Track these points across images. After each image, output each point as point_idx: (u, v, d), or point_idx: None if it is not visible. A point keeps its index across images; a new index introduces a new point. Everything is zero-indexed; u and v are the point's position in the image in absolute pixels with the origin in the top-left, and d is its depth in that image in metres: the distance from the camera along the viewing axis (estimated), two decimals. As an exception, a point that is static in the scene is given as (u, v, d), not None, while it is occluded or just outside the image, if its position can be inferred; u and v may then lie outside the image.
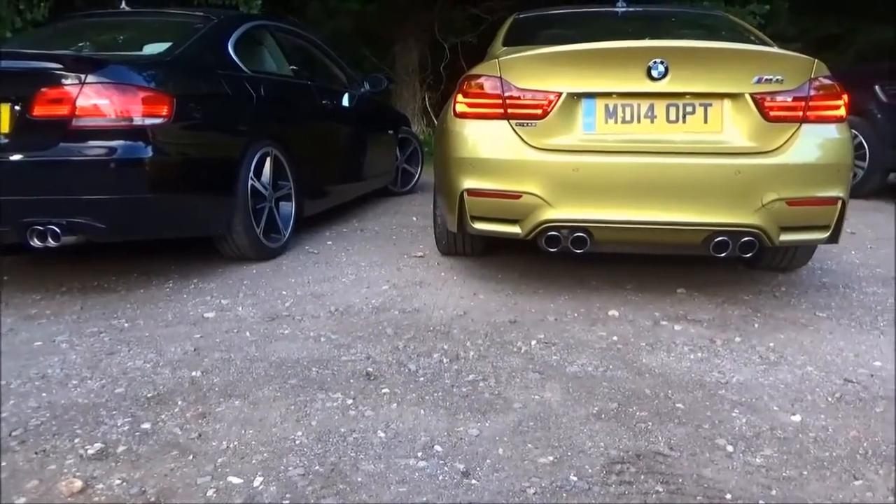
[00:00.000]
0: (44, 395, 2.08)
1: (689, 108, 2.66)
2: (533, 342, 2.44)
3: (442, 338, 2.49)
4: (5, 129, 2.68)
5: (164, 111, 2.80)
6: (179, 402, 2.02)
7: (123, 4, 3.81)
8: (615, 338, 2.50)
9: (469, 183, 2.76)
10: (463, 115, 2.83)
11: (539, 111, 2.69)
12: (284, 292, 3.01)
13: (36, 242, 2.68)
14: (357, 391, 2.07)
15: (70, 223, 2.67)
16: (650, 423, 1.87)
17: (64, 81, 2.67)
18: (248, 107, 3.43)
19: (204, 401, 2.03)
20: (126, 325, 2.67)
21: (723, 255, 2.63)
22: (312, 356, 2.34)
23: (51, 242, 2.67)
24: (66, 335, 2.55)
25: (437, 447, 1.76)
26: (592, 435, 1.82)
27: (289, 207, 3.69)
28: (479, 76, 2.82)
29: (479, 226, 2.83)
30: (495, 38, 3.59)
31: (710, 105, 2.64)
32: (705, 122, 2.65)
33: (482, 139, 2.76)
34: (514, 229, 2.75)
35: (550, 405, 1.99)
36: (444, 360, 2.29)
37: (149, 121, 2.75)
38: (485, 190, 2.74)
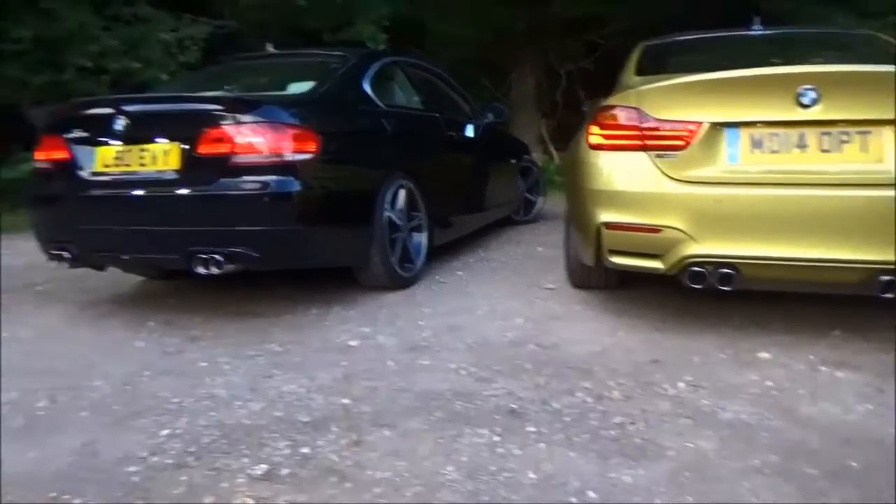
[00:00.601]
0: (212, 413, 2.24)
1: (844, 137, 2.50)
2: (680, 384, 2.35)
3: (583, 375, 2.45)
4: (175, 165, 2.94)
5: (312, 147, 2.97)
6: (334, 429, 2.10)
7: (270, 47, 4.09)
8: (769, 383, 2.36)
9: (606, 216, 2.73)
10: (598, 147, 2.81)
11: (679, 142, 2.63)
12: (421, 322, 3.09)
13: (200, 270, 2.90)
14: (503, 428, 2.07)
15: (230, 252, 2.88)
16: (822, 483, 1.75)
17: (225, 122, 2.90)
18: (384, 141, 3.57)
19: (356, 429, 2.10)
20: (278, 349, 2.82)
21: (890, 295, 2.44)
22: (455, 389, 2.37)
23: (213, 270, 2.89)
24: (227, 357, 2.73)
25: (591, 493, 1.73)
26: (756, 490, 1.72)
27: (421, 238, 3.79)
28: (614, 107, 2.80)
29: (618, 260, 2.78)
30: (625, 67, 3.56)
31: (869, 133, 2.48)
32: (864, 151, 2.48)
33: (619, 171, 2.73)
34: (656, 264, 2.68)
35: (706, 454, 1.90)
36: (588, 400, 2.26)
37: (298, 156, 2.93)
38: (623, 223, 2.69)
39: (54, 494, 1.79)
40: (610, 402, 2.23)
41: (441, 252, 4.38)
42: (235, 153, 2.85)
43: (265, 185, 2.87)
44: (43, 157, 3.21)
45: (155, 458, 1.95)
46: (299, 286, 3.67)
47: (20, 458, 1.98)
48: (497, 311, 3.24)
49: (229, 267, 2.91)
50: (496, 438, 2.01)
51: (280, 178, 2.89)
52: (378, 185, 3.38)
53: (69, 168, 3.10)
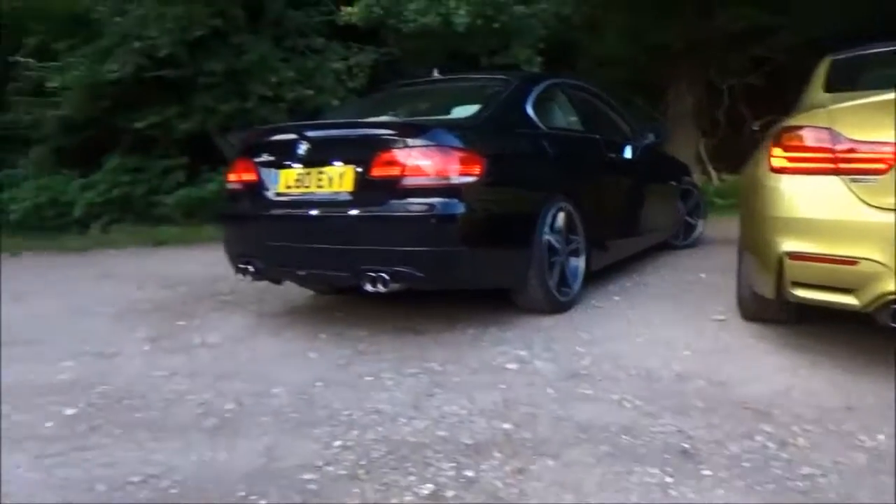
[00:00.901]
0: (379, 428, 2.32)
1: None
2: (880, 436, 2.11)
3: (762, 418, 2.27)
4: (349, 187, 3.12)
5: (476, 170, 3.03)
6: (496, 454, 2.10)
7: (435, 73, 4.24)
8: None
9: (790, 245, 2.52)
10: (782, 170, 2.61)
11: (880, 165, 2.38)
12: (580, 349, 3.02)
13: (369, 287, 3.04)
14: (675, 469, 1.97)
15: (396, 272, 2.99)
16: None
17: (396, 146, 3.03)
18: (546, 163, 3.57)
19: (519, 456, 2.09)
20: (438, 368, 2.89)
21: None
22: (619, 422, 2.29)
23: (381, 288, 3.02)
24: (390, 373, 2.83)
25: (781, 549, 1.59)
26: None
27: (578, 262, 3.72)
28: (801, 127, 2.59)
29: (802, 293, 2.56)
30: (810, 83, 3.30)
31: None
32: None
33: (806, 196, 2.52)
34: (848, 299, 2.43)
35: (916, 520, 1.69)
36: (770, 445, 2.08)
37: (463, 179, 2.99)
38: (810, 254, 2.48)
39: (243, 494, 1.94)
40: (795, 450, 2.05)
41: (597, 276, 4.27)
42: (405, 176, 2.98)
43: (431, 206, 2.96)
44: (235, 178, 3.54)
45: (330, 468, 2.06)
46: (457, 305, 3.73)
47: (214, 457, 2.17)
48: (660, 340, 3.10)
49: (394, 286, 3.02)
50: (668, 479, 1.91)
51: (445, 200, 2.97)
52: (539, 207, 3.37)
53: (257, 189, 3.39)
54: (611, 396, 2.51)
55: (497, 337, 3.24)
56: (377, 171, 3.03)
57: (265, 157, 3.37)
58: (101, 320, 4.01)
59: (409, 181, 2.98)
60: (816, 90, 3.04)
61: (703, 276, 4.51)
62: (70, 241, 8.23)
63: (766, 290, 2.70)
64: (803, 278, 2.52)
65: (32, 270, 6.38)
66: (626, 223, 4.48)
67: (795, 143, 2.54)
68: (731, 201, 8.24)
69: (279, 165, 3.34)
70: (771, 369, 2.70)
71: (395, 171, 2.99)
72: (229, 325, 3.72)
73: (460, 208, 2.98)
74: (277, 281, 3.71)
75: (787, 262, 2.53)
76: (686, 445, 2.10)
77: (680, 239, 5.67)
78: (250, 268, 3.42)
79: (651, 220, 4.84)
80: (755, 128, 5.08)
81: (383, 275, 3.00)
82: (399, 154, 3.00)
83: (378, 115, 3.88)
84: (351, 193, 3.10)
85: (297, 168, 3.28)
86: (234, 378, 2.88)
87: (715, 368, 2.72)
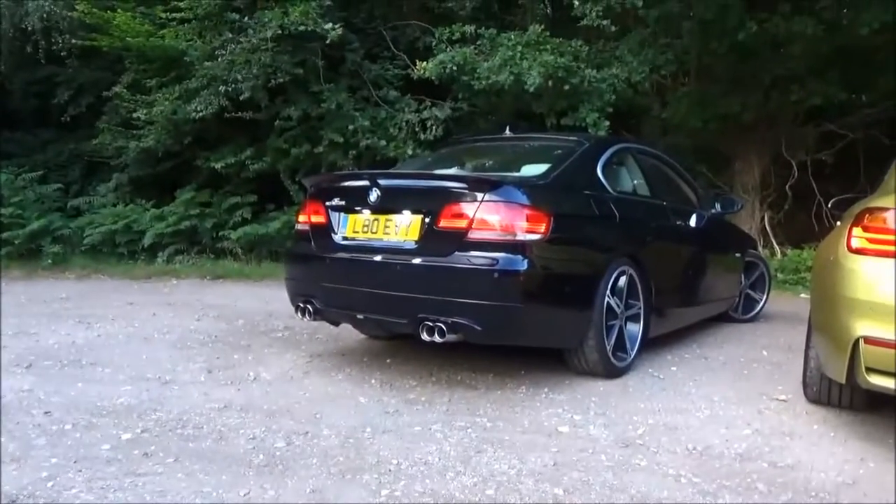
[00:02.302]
0: (427, 481, 2.29)
1: None
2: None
3: (829, 509, 2.15)
4: (415, 236, 3.17)
5: (543, 228, 3.04)
6: (546, 520, 2.05)
7: (507, 131, 4.32)
8: None
9: (867, 329, 2.42)
10: (860, 251, 2.53)
11: (963, 254, 2.28)
12: (636, 418, 2.94)
13: (425, 336, 3.05)
14: (735, 554, 1.87)
15: (454, 323, 3.00)
16: None
17: (465, 199, 3.07)
18: (612, 226, 3.55)
19: (569, 524, 2.03)
20: (488, 424, 2.85)
21: None
22: (675, 499, 2.20)
23: (437, 338, 3.02)
24: (439, 425, 2.81)
25: None
26: None
27: (636, 327, 3.66)
28: (884, 209, 2.51)
29: (877, 380, 2.44)
30: (894, 166, 3.21)
31: None
32: None
33: (887, 280, 2.42)
34: (926, 391, 2.31)
35: None
36: (838, 541, 1.96)
37: (529, 237, 3.00)
38: (889, 340, 2.37)
39: (288, 534, 1.93)
40: (866, 549, 1.92)
41: (655, 344, 4.18)
42: (472, 229, 3.01)
43: (495, 261, 2.97)
44: (304, 219, 3.64)
45: (376, 517, 2.04)
46: (509, 362, 3.69)
47: (262, 494, 2.18)
48: (720, 416, 2.98)
49: (451, 336, 3.02)
50: (727, 566, 1.82)
51: (510, 256, 2.98)
52: (602, 269, 3.35)
53: (324, 231, 3.48)
54: (667, 471, 2.42)
55: (550, 399, 3.18)
56: (444, 223, 3.07)
57: (336, 202, 3.47)
58: (161, 348, 4.13)
59: (476, 234, 3.01)
60: (899, 174, 2.95)
61: (765, 353, 4.35)
62: (137, 268, 8.57)
63: (837, 373, 2.58)
64: (879, 365, 2.41)
65: (99, 294, 6.65)
66: (687, 291, 4.39)
67: (878, 224, 2.47)
68: (793, 276, 8.02)
69: (348, 210, 3.43)
70: (837, 458, 2.55)
71: (461, 224, 3.03)
72: (282, 362, 3.78)
73: (524, 265, 2.98)
74: (335, 322, 3.76)
75: (863, 346, 2.42)
76: (747, 531, 2.00)
77: (740, 312, 5.50)
78: (310, 307, 3.47)
79: (713, 290, 4.72)
80: (830, 205, 4.97)
81: (441, 325, 3.00)
82: (467, 207, 3.04)
83: (449, 168, 3.96)
84: (416, 242, 3.14)
85: (366, 214, 3.35)
86: (284, 416, 2.91)
87: (777, 451, 2.60)
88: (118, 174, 9.63)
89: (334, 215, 3.49)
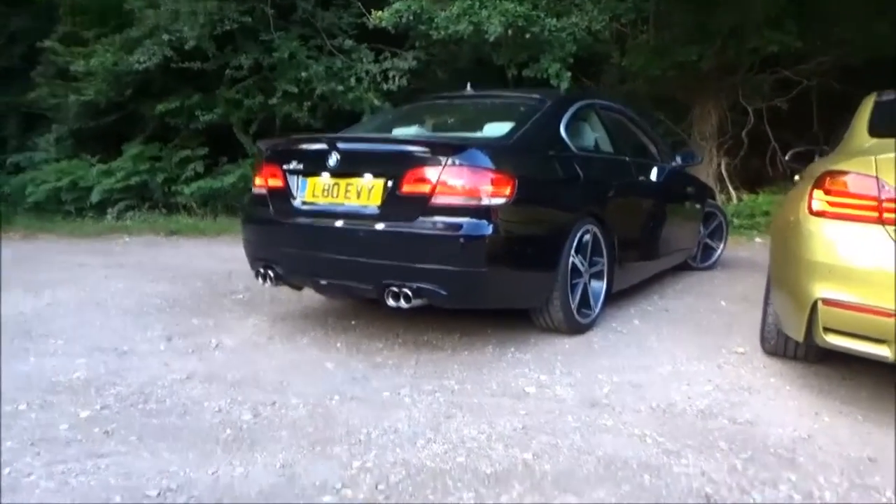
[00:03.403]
0: (398, 450, 2.30)
1: None
2: (906, 493, 2.06)
3: (786, 465, 2.23)
4: (377, 201, 3.09)
5: (507, 192, 3.00)
6: (517, 486, 2.08)
7: (469, 88, 4.20)
8: None
9: (825, 291, 2.48)
10: (821, 214, 2.56)
11: (926, 219, 2.33)
12: (600, 376, 2.98)
13: (391, 302, 3.02)
14: (700, 515, 1.93)
15: (419, 288, 2.97)
16: None
17: (429, 163, 3.00)
18: (576, 186, 3.53)
19: (539, 489, 2.06)
20: (456, 387, 2.86)
21: None
22: (641, 459, 2.25)
23: (402, 303, 2.99)
24: (407, 389, 2.81)
25: None
26: None
27: (600, 284, 3.69)
28: (845, 172, 2.54)
29: (833, 339, 2.51)
30: (853, 124, 3.22)
31: None
32: None
33: (846, 243, 2.47)
34: (882, 351, 2.39)
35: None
36: (795, 496, 2.04)
37: (494, 201, 2.96)
38: (846, 302, 2.43)
39: (260, 513, 1.92)
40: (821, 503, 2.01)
41: (616, 297, 4.24)
42: (435, 194, 2.95)
43: (460, 226, 2.93)
44: (261, 183, 3.52)
45: (348, 491, 2.04)
46: (473, 321, 3.70)
47: (232, 472, 2.15)
48: (682, 372, 3.06)
49: (417, 302, 2.99)
50: (692, 526, 1.88)
51: (474, 220, 2.94)
52: (566, 230, 3.34)
53: (283, 195, 3.38)
54: (633, 431, 2.47)
55: (517, 358, 3.21)
56: (407, 188, 3.00)
57: (294, 165, 3.35)
58: (116, 314, 4.01)
59: (439, 199, 2.95)
60: (860, 132, 2.97)
61: (723, 303, 4.46)
62: (85, 226, 8.27)
63: (796, 332, 2.65)
64: (836, 325, 2.47)
65: (46, 255, 6.40)
66: (649, 245, 4.44)
67: (839, 187, 2.50)
68: (748, 221, 8.25)
69: (307, 173, 3.32)
70: (794, 412, 2.65)
71: (425, 189, 2.97)
72: (245, 327, 3.71)
73: (489, 229, 2.95)
74: (298, 287, 3.69)
75: (822, 307, 2.48)
76: (709, 490, 2.06)
77: (699, 261, 5.62)
78: (271, 273, 3.40)
79: (674, 242, 4.80)
80: (788, 157, 5.04)
81: (407, 291, 2.97)
82: (430, 172, 2.97)
83: (410, 129, 3.86)
84: (379, 207, 3.07)
85: (326, 178, 3.26)
86: (250, 386, 2.86)
87: (737, 407, 2.68)
88: (57, 126, 9.18)
89: (292, 179, 3.38)
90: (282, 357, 3.23)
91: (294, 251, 3.33)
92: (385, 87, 7.64)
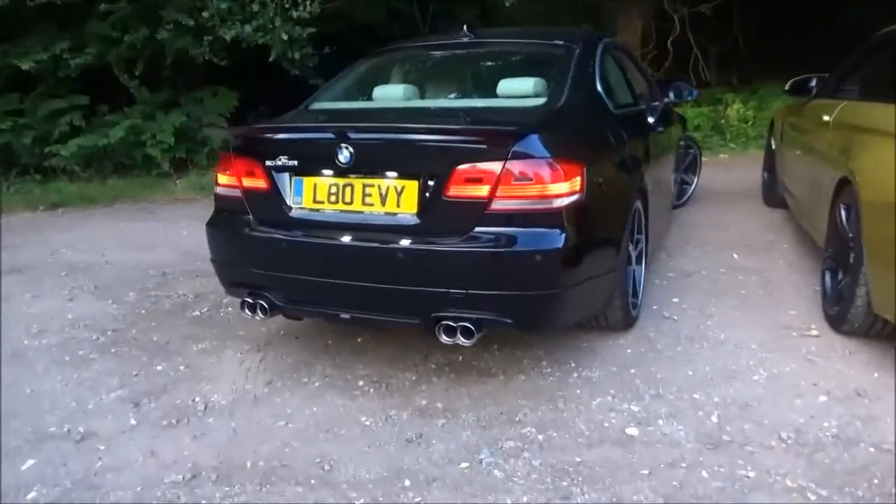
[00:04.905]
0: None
1: None
2: None
3: None
4: (413, 208, 2.37)
5: (578, 186, 2.35)
6: None
7: (465, 29, 3.34)
8: None
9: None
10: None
11: None
12: (696, 396, 2.53)
13: (445, 339, 2.36)
14: None
15: (481, 320, 2.33)
16: None
17: (485, 156, 2.27)
18: (625, 158, 2.94)
19: None
20: (540, 437, 2.31)
21: None
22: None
23: (461, 339, 2.34)
24: (486, 453, 2.23)
25: None
26: None
27: (640, 267, 3.18)
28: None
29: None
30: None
31: None
32: None
33: None
34: None
35: None
36: None
37: (567, 200, 2.30)
38: None
39: None
40: None
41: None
42: (496, 197, 2.25)
43: (531, 238, 2.28)
44: (232, 182, 2.66)
45: None
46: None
47: None
48: (777, 377, 2.65)
49: (479, 335, 2.35)
50: None
51: (546, 229, 2.29)
52: (624, 216, 2.78)
53: (270, 199, 2.55)
54: (784, 482, 2.05)
55: (585, 379, 2.68)
56: (456, 190, 2.28)
57: (282, 160, 2.51)
58: (44, 364, 3.02)
59: (501, 204, 2.26)
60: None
61: (735, 256, 4.16)
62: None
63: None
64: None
65: None
66: (667, 203, 3.97)
67: None
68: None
69: (303, 172, 2.51)
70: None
71: (481, 192, 2.26)
72: (228, 368, 2.92)
73: (562, 239, 2.30)
74: (298, 318, 2.93)
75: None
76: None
77: (674, 198, 5.26)
78: (262, 303, 2.61)
79: (673, 188, 4.38)
80: (789, 87, 4.65)
81: (466, 324, 2.32)
82: (488, 167, 2.25)
83: (396, 91, 3.05)
84: (418, 216, 2.34)
85: (331, 177, 2.46)
86: (282, 478, 2.16)
87: (869, 425, 2.32)
88: None
89: (281, 178, 2.55)
90: (299, 416, 2.52)
91: (295, 275, 2.55)
92: (295, 13, 6.50)
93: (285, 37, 6.20)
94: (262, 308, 2.63)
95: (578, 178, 2.35)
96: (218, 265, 2.81)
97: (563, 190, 2.29)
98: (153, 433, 2.44)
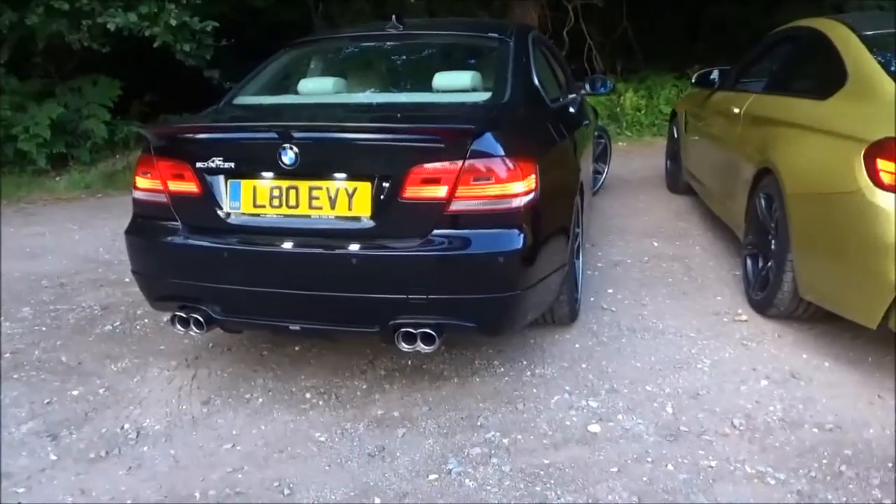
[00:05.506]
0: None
1: None
2: None
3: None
4: (366, 211, 2.23)
5: (533, 183, 2.31)
6: None
7: (394, 20, 3.18)
8: None
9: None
10: (892, 188, 2.31)
11: None
12: (648, 388, 2.58)
13: (404, 346, 2.26)
14: None
15: (441, 325, 2.25)
16: None
17: (443, 155, 2.17)
18: (566, 152, 2.93)
19: None
20: (503, 439, 2.27)
21: None
22: (786, 513, 1.91)
23: (421, 346, 2.25)
24: (454, 462, 2.16)
25: None
26: None
27: (579, 260, 3.21)
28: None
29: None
30: (851, 68, 2.85)
31: None
32: None
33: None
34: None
35: None
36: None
37: (524, 199, 2.24)
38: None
39: None
40: None
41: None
42: (455, 198, 2.16)
43: (491, 239, 2.21)
44: (155, 186, 2.40)
45: None
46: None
47: None
48: (719, 363, 2.76)
49: (438, 342, 2.27)
50: None
51: (506, 230, 2.23)
52: (570, 210, 2.77)
53: (200, 205, 2.33)
54: (744, 468, 2.12)
55: (540, 377, 2.67)
56: (412, 192, 2.17)
57: (215, 162, 2.29)
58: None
59: (460, 205, 2.18)
60: (872, 77, 2.71)
61: (655, 244, 4.30)
62: None
63: (867, 318, 2.44)
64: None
65: None
66: (589, 193, 4.03)
67: None
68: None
69: (240, 174, 2.30)
70: (862, 402, 2.47)
71: (439, 193, 2.16)
72: (155, 388, 2.66)
73: (522, 238, 2.25)
74: (237, 331, 2.71)
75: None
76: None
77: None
78: (197, 317, 2.39)
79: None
80: (695, 80, 4.85)
81: (427, 330, 2.22)
82: (446, 167, 2.16)
83: (325, 84, 2.88)
84: (372, 219, 2.21)
85: (272, 179, 2.28)
86: (240, 508, 1.99)
87: (809, 406, 2.44)
88: None
89: (215, 181, 2.33)
90: (247, 437, 2.33)
91: (236, 286, 2.35)
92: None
93: (173, 22, 5.70)
94: (198, 322, 2.40)
95: (533, 176, 2.30)
96: (141, 277, 2.54)
97: (521, 189, 2.24)
98: (79, 468, 2.18)
